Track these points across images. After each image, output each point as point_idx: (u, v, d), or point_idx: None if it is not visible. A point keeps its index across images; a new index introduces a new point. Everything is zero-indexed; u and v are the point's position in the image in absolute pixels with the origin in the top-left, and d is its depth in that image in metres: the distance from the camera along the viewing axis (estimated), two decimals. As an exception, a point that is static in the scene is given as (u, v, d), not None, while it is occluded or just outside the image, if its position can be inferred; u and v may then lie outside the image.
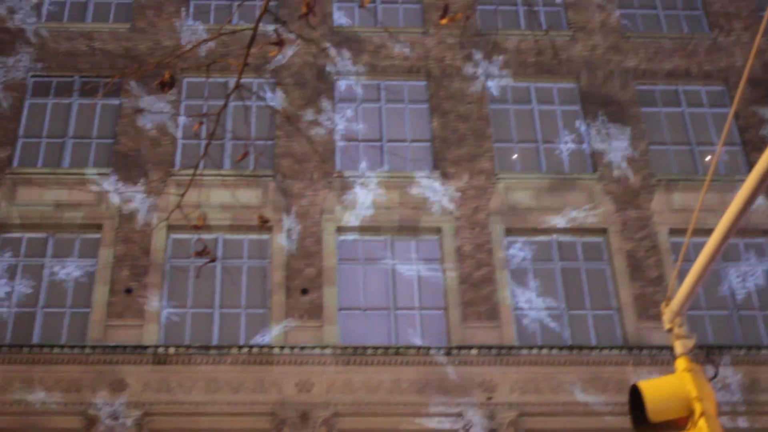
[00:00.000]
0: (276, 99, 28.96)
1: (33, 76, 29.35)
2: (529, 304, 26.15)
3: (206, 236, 26.73)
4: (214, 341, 25.33)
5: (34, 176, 27.38)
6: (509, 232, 27.04)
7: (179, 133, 28.53)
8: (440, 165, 27.88)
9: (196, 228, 11.52)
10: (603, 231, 27.18)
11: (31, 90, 29.19)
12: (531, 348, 24.88)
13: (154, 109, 28.45)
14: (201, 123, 11.15)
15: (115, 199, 27.02)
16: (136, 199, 27.04)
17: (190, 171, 27.56)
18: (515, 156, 28.43)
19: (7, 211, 26.86)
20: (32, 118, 28.81)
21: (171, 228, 26.65)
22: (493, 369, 24.72)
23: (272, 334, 25.15)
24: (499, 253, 26.48)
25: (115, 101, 29.06)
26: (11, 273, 26.23)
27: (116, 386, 24.23)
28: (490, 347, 24.81)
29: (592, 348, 24.93)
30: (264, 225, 12.10)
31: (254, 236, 26.93)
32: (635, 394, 10.78)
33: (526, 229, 27.03)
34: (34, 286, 26.09)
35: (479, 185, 27.55)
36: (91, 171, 27.46)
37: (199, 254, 12.75)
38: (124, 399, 24.10)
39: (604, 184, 27.77)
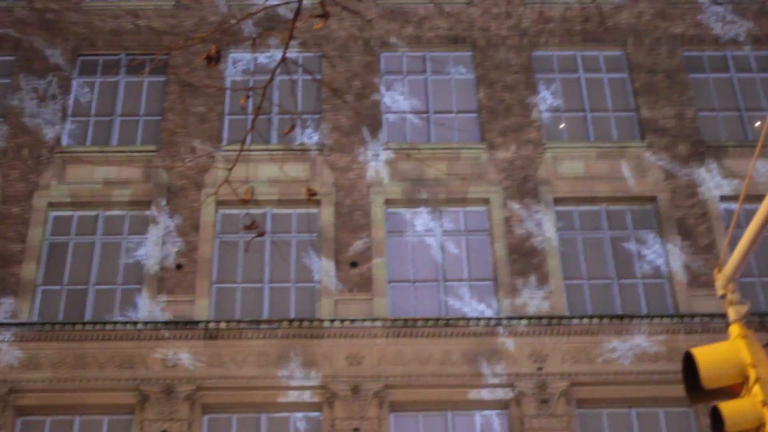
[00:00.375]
0: (322, 72, 28.95)
1: (80, 55, 29.50)
2: (578, 273, 26.05)
3: (255, 211, 26.81)
4: (265, 315, 25.43)
5: (83, 154, 27.55)
6: (558, 201, 26.92)
7: (226, 109, 28.59)
8: (487, 136, 27.78)
9: (244, 202, 11.54)
10: (652, 199, 26.99)
11: (78, 69, 29.34)
12: (581, 318, 24.79)
13: (201, 85, 28.52)
14: (248, 97, 11.15)
15: (163, 176, 27.14)
16: (184, 175, 27.13)
17: (238, 146, 27.63)
18: (563, 125, 28.28)
19: (57, 189, 27.04)
20: (80, 96, 28.97)
21: (219, 203, 26.75)
22: (543, 339, 24.65)
23: (322, 308, 25.20)
24: (547, 223, 26.37)
25: (162, 78, 29.16)
26: (62, 251, 26.42)
27: (168, 361, 24.39)
28: (540, 317, 24.74)
29: (642, 317, 24.81)
30: (312, 198, 12.10)
31: (302, 210, 26.97)
32: (689, 362, 10.72)
33: (575, 198, 26.90)
34: (86, 264, 26.27)
35: (527, 155, 27.44)
36: (139, 148, 27.59)
37: (248, 228, 12.76)
38: (176, 374, 24.25)
39: (652, 152, 27.57)
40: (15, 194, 26.93)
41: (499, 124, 27.94)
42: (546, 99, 28.60)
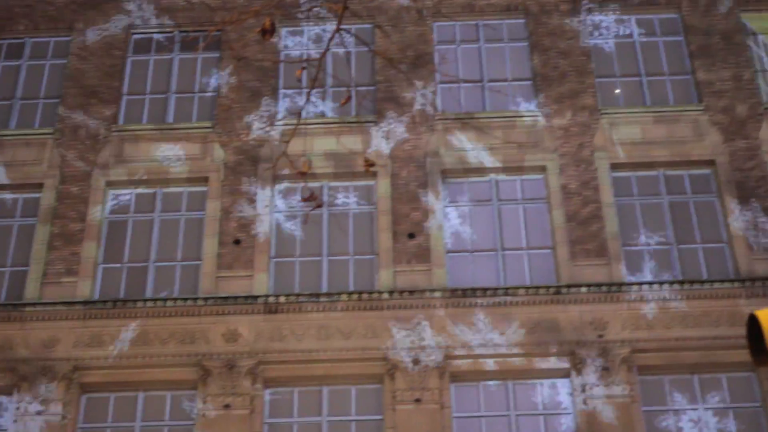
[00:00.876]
0: (375, 43, 28.90)
1: (134, 33, 29.64)
2: (637, 239, 25.90)
3: (312, 184, 26.86)
4: (324, 288, 25.50)
5: (139, 132, 27.71)
6: (615, 167, 26.74)
7: (280, 83, 28.64)
8: (542, 103, 27.64)
9: (302, 174, 11.56)
10: (711, 163, 26.75)
11: (132, 47, 29.49)
12: (641, 284, 24.65)
13: (255, 60, 28.57)
14: (303, 68, 11.16)
15: (219, 152, 27.26)
16: (241, 150, 27.23)
17: (293, 120, 27.67)
18: (618, 90, 28.07)
19: (115, 168, 27.23)
20: (135, 74, 29.12)
21: (276, 178, 26.82)
22: (603, 306, 24.55)
23: (381, 280, 25.24)
24: (605, 190, 26.22)
25: (216, 54, 29.25)
26: (122, 229, 26.62)
27: (229, 336, 24.54)
28: (599, 284, 24.63)
29: (703, 282, 24.64)
30: (369, 168, 12.10)
31: (359, 182, 26.98)
32: (753, 324, 10.63)
33: (632, 163, 26.72)
34: (145, 241, 26.46)
35: (583, 122, 27.27)
36: (195, 125, 27.71)
37: (307, 200, 12.79)
38: (237, 349, 24.41)
39: (710, 115, 27.31)
40: (74, 174, 27.15)
41: (554, 90, 27.78)
42: (601, 64, 28.37)
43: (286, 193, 26.88)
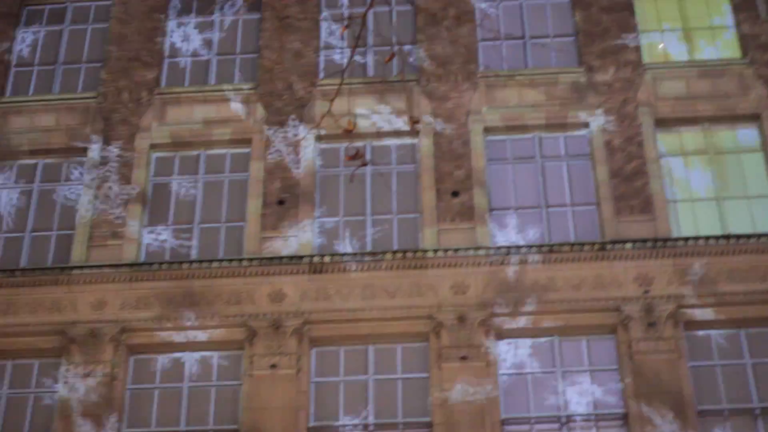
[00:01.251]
0: (416, 1, 28.79)
1: (175, -4, 29.71)
2: (682, 194, 25.76)
3: (354, 144, 26.85)
4: (368, 248, 25.56)
5: (181, 95, 27.79)
6: (659, 123, 26.58)
7: (321, 43, 28.61)
8: (585, 59, 27.46)
9: (347, 132, 11.55)
10: (756, 117, 26.54)
11: (173, 10, 29.52)
12: (687, 239, 24.54)
13: (297, 19, 28.53)
14: (346, 27, 11.13)
15: (262, 113, 27.29)
16: (283, 111, 27.26)
17: (335, 80, 27.65)
18: (662, 45, 27.85)
19: (158, 131, 27.34)
20: (176, 37, 29.16)
21: (319, 138, 26.85)
22: (649, 262, 24.46)
23: (425, 238, 25.26)
24: (649, 145, 26.07)
25: (257, 15, 29.23)
26: (166, 192, 26.75)
27: (275, 297, 24.66)
28: (645, 240, 24.53)
29: (750, 236, 24.49)
30: (415, 126, 12.10)
31: (402, 141, 26.97)
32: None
33: (676, 118, 26.54)
34: (189, 204, 26.58)
35: (626, 77, 27.08)
36: (237, 86, 27.75)
37: (352, 158, 12.79)
38: (283, 309, 24.52)
39: (755, 68, 27.06)
40: (117, 137, 27.28)
41: (596, 46, 27.59)
42: (643, 18, 28.14)
43: (330, 153, 26.90)
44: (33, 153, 27.44)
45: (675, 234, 25.20)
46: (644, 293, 24.09)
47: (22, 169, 27.42)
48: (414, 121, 12.38)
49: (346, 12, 28.77)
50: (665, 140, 26.47)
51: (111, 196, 26.43)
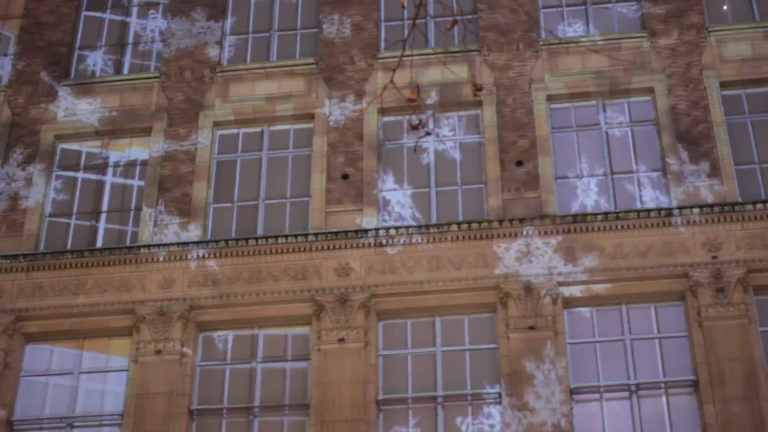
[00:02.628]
0: (474, -27, 28.65)
1: (234, -27, 29.77)
2: (749, 158, 25.47)
3: (418, 115, 26.82)
4: (433, 219, 25.53)
5: (244, 72, 27.88)
6: (724, 86, 26.25)
7: (382, 15, 28.56)
8: (648, 23, 27.19)
9: (410, 101, 11.52)
10: (823, 77, 26.20)
11: (234, -14, 29.63)
12: (755, 203, 24.27)
13: (354, -5, 28.53)
14: (407, -4, 11.10)
15: (324, 87, 27.32)
16: (345, 85, 27.27)
17: (395, 53, 27.59)
18: (725, 7, 27.50)
19: (221, 108, 27.46)
20: (238, 15, 29.25)
21: (381, 111, 26.84)
22: (717, 227, 24.21)
23: (490, 208, 25.19)
24: (715, 109, 25.77)
25: (316, -10, 29.27)
26: (231, 169, 26.88)
27: (341, 271, 24.72)
28: (712, 205, 24.29)
29: (819, 199, 24.23)
30: (477, 93, 12.04)
31: (464, 112, 26.89)
32: None
33: (742, 81, 26.21)
34: (254, 180, 26.69)
35: (690, 40, 26.78)
36: (298, 61, 27.80)
37: (415, 128, 12.77)
38: (350, 283, 24.58)
39: (822, 28, 26.70)
40: (181, 115, 27.44)
41: (659, 9, 27.28)
42: (706, -18, 27.83)
43: (392, 126, 26.89)
44: (98, 134, 27.67)
45: (743, 198, 24.91)
46: (713, 258, 23.86)
47: (89, 151, 27.67)
48: (477, 88, 12.33)
49: (405, -16, 28.70)
50: (731, 103, 26.15)
51: (177, 174, 26.59)
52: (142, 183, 26.93)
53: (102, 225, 26.64)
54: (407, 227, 24.85)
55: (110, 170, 27.36)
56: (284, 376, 24.39)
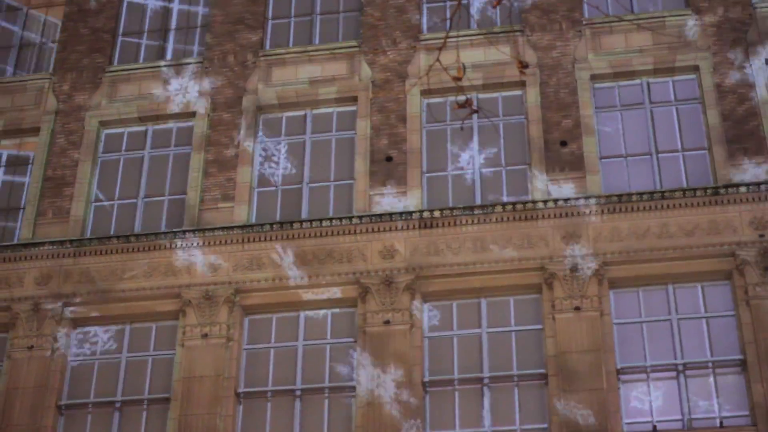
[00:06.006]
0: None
1: (276, -42, 29.79)
2: (796, 136, 25.28)
3: (461, 97, 26.78)
4: (477, 201, 25.50)
5: (286, 56, 27.92)
6: (770, 63, 26.08)
7: (424, -3, 28.59)
8: (692, 1, 26.98)
9: (457, 79, 11.50)
10: None
11: (274, -29, 29.66)
12: (802, 181, 24.11)
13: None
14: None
15: (367, 70, 27.32)
16: (387, 68, 27.26)
17: (437, 35, 27.54)
18: (770, -17, 27.28)
19: (264, 92, 27.52)
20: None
21: (425, 93, 26.82)
22: (764, 205, 24.03)
23: (534, 189, 25.12)
24: (761, 86, 25.56)
25: (357, -27, 29.26)
26: (274, 153, 26.94)
27: (386, 253, 24.72)
28: (758, 183, 24.11)
29: None
30: (524, 70, 12.00)
31: (508, 93, 26.83)
32: None
33: (788, 58, 26.05)
34: (298, 164, 26.75)
35: (735, 17, 26.56)
36: (340, 45, 27.81)
37: (461, 107, 12.74)
38: (395, 265, 24.56)
39: None
40: (224, 101, 27.53)
41: (703, -12, 27.10)
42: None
43: (436, 108, 26.86)
44: (142, 120, 27.81)
45: (790, 176, 24.73)
46: (760, 237, 23.70)
47: (131, 137, 27.84)
48: (522, 66, 12.30)
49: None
50: (777, 81, 25.96)
51: (221, 159, 26.69)
52: (189, 166, 27.05)
53: (140, 209, 26.80)
54: (452, 208, 24.82)
55: (147, 156, 27.50)
56: (327, 358, 24.44)
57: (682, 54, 26.27)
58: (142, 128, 27.89)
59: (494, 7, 11.79)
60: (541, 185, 25.09)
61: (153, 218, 26.69)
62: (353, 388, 23.95)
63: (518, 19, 27.60)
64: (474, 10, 28.02)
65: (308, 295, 24.76)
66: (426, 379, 23.79)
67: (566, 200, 24.55)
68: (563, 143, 25.54)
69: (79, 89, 28.35)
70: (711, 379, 23.07)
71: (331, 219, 25.16)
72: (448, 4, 28.40)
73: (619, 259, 23.98)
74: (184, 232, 25.56)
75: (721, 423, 22.65)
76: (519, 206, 24.66)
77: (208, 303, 24.69)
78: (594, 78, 26.47)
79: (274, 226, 25.32)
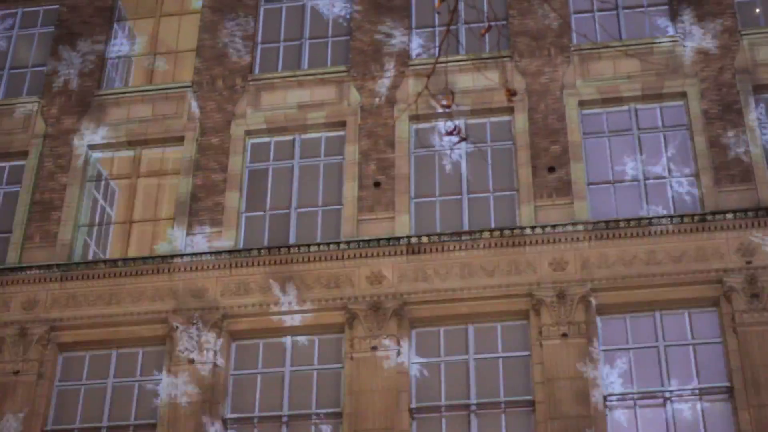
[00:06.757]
0: (504, -20, 28.60)
1: (263, -17, 29.82)
2: (783, 163, 25.32)
3: (449, 122, 26.82)
4: (465, 227, 25.48)
5: (275, 80, 27.93)
6: (757, 89, 26.06)
7: (413, 23, 28.55)
8: (680, 27, 27.06)
9: (446, 107, 11.51)
10: None
11: (264, -2, 29.69)
12: (790, 208, 24.13)
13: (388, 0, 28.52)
14: (443, 0, 11.08)
15: (355, 95, 27.34)
16: (377, 93, 27.28)
17: (428, 60, 27.57)
18: (758, 10, 27.36)
19: (253, 117, 27.51)
20: (268, 23, 29.31)
21: (413, 118, 26.82)
22: (750, 232, 24.05)
23: (522, 215, 25.13)
24: (748, 113, 25.60)
25: (348, -3, 29.29)
26: (263, 177, 26.91)
27: (374, 279, 24.70)
28: (746, 210, 24.14)
29: None
30: (512, 98, 12.02)
31: (496, 118, 26.84)
32: None
33: (776, 84, 26.10)
34: (286, 188, 26.72)
35: (723, 44, 26.62)
36: (329, 69, 27.84)
37: (450, 134, 12.75)
38: (382, 290, 24.55)
39: None
40: (213, 125, 27.52)
41: (691, 13, 27.14)
42: (737, -15, 27.67)
43: (424, 133, 26.87)
44: (131, 144, 27.80)
45: (776, 203, 24.74)
46: (747, 264, 23.72)
47: (120, 161, 27.81)
48: (510, 93, 12.31)
49: (436, -8, 28.67)
50: (765, 107, 26.00)
51: (209, 183, 26.66)
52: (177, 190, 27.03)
53: (135, 234, 26.77)
54: (439, 234, 24.82)
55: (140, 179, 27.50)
56: (313, 384, 24.38)
57: (669, 80, 26.33)
58: (132, 152, 27.85)
59: (482, 34, 11.81)
60: (529, 211, 25.09)
61: (143, 243, 26.63)
62: (339, 415, 23.88)
63: (507, 45, 27.64)
64: (462, 36, 28.04)
65: (295, 321, 24.69)
66: (413, 405, 23.73)
67: (554, 226, 24.56)
68: (551, 169, 25.56)
69: (68, 113, 28.30)
70: (698, 406, 23.04)
71: (318, 244, 25.13)
72: (437, 29, 28.44)
73: (606, 285, 23.97)
74: (172, 257, 25.49)
75: (708, 450, 22.67)
76: (507, 232, 24.65)
77: (196, 327, 24.60)
78: (582, 104, 26.50)
79: (262, 251, 25.28)
